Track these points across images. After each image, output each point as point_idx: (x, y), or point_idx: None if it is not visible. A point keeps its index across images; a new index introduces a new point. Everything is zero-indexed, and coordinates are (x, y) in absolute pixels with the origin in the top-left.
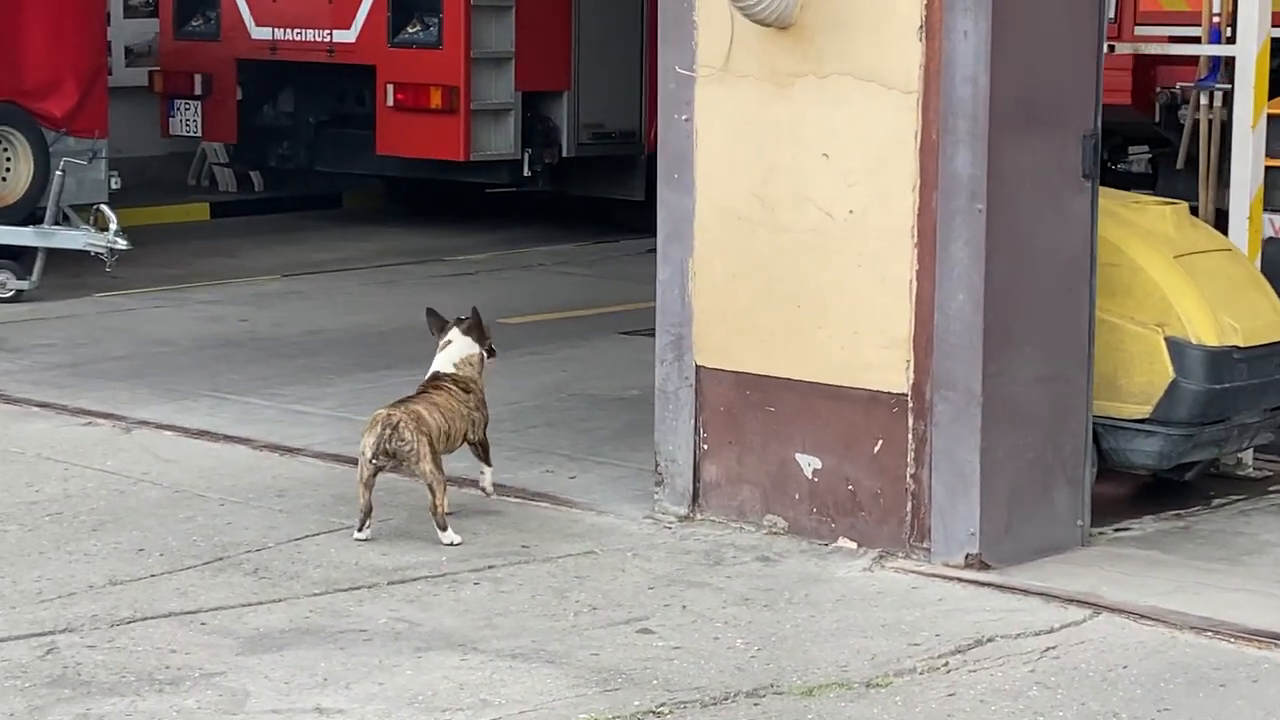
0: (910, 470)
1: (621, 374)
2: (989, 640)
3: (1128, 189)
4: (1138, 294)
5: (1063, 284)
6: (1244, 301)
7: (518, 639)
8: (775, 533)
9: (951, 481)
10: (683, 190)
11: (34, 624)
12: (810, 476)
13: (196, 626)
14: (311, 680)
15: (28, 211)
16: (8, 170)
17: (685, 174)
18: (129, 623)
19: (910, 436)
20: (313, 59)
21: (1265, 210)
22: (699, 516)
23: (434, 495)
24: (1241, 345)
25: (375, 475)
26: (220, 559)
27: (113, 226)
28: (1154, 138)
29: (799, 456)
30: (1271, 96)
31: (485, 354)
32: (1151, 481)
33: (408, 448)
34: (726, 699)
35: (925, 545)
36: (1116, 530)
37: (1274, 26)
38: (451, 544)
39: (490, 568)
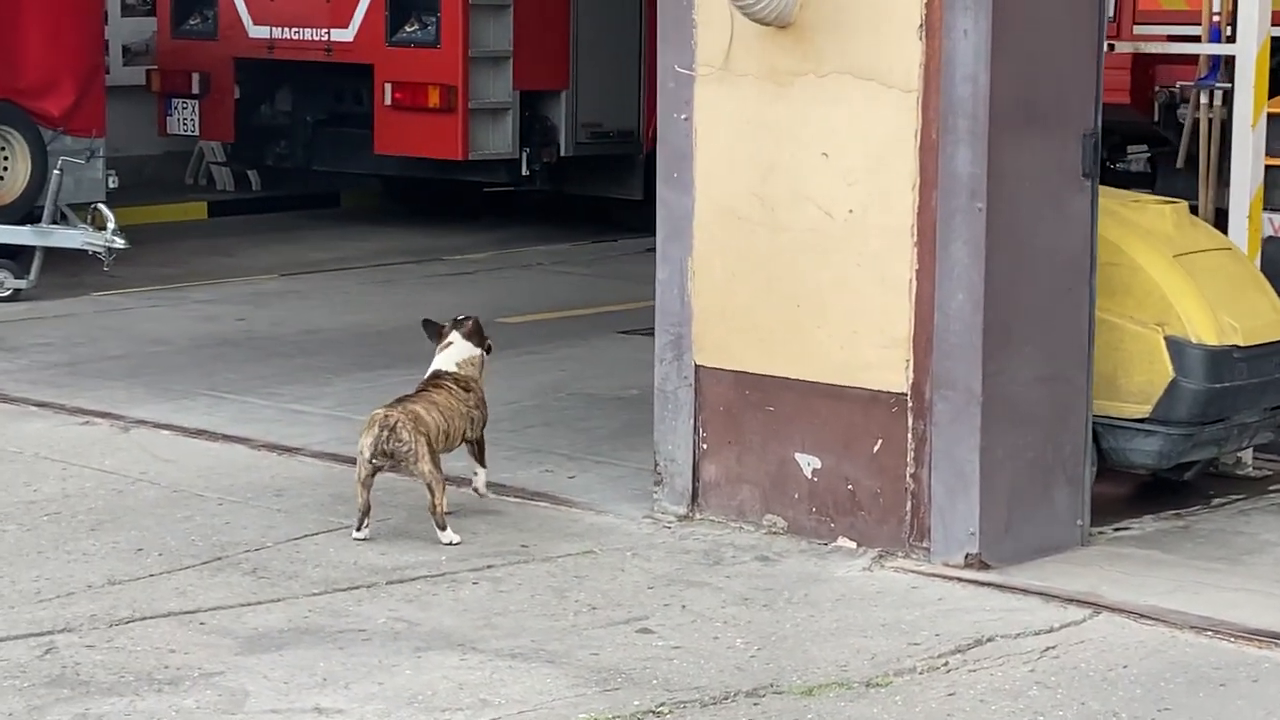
0: (910, 470)
1: (620, 373)
2: (989, 640)
3: (1127, 188)
4: (1137, 293)
5: (1063, 283)
6: (1244, 301)
7: (517, 639)
8: (775, 532)
9: (951, 481)
10: (682, 189)
11: (32, 624)
12: (810, 476)
13: (195, 626)
14: (311, 680)
15: (25, 210)
16: (5, 169)
17: (684, 173)
18: (128, 622)
19: (910, 436)
20: (310, 58)
21: (1265, 209)
22: (698, 516)
23: (433, 495)
24: (1241, 344)
25: (373, 475)
26: (219, 559)
27: (110, 225)
28: (1153, 137)
29: (798, 456)
30: (1271, 95)
31: (485, 353)
32: (1151, 481)
33: (405, 448)
34: (726, 699)
35: (925, 545)
36: (1116, 530)
37: (1274, 25)
38: (450, 543)
39: (489, 567)
